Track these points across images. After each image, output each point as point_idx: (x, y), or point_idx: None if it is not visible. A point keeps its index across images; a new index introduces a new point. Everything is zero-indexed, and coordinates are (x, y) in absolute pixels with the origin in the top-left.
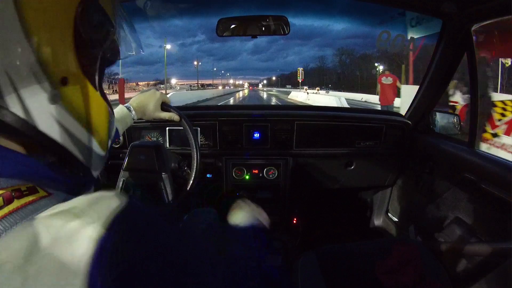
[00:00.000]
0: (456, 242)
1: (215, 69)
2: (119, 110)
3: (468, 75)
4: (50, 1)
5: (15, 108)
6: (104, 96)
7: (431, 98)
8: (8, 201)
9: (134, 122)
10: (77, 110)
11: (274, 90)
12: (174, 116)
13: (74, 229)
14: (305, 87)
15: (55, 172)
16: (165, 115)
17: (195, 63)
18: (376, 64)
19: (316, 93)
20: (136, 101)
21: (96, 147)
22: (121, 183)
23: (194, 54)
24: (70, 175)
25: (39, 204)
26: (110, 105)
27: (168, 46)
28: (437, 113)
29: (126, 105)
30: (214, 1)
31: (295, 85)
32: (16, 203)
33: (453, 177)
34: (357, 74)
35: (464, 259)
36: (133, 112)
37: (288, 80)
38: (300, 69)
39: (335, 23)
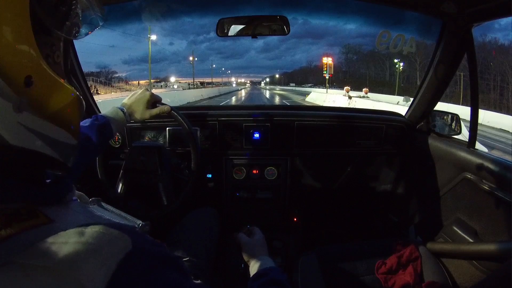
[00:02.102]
0: (456, 242)
1: (223, 68)
2: (114, 113)
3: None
4: None
5: None
6: (70, 81)
7: (431, 98)
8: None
9: (132, 123)
10: (46, 110)
11: (277, 89)
12: (163, 108)
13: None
14: (346, 88)
15: (30, 185)
16: (156, 110)
17: (191, 58)
18: (396, 61)
19: (364, 96)
20: (128, 103)
21: (69, 139)
22: (120, 184)
23: (203, 52)
24: (53, 185)
25: (38, 232)
26: (77, 88)
27: (154, 37)
28: (437, 113)
29: (120, 107)
30: (224, 1)
31: (300, 84)
32: (14, 227)
33: (453, 177)
34: (363, 72)
35: (464, 259)
36: (127, 116)
37: (291, 78)
38: (328, 60)
39: (349, 23)
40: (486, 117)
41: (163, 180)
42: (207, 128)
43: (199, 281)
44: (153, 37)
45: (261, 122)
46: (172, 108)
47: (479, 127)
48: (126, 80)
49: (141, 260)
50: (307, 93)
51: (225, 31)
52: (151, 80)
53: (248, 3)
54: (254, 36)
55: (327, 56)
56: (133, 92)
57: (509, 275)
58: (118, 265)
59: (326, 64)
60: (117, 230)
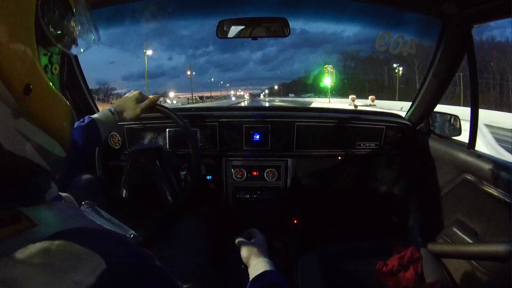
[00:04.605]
0: (456, 243)
1: (221, 82)
2: (102, 114)
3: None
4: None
5: None
6: (66, 96)
7: (431, 99)
8: None
9: (132, 124)
10: (42, 119)
11: (277, 100)
12: (152, 98)
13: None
14: (351, 96)
15: (17, 189)
16: (146, 102)
17: (188, 73)
18: (395, 66)
19: (370, 105)
20: (117, 103)
21: (60, 151)
22: (124, 189)
23: (202, 65)
24: (32, 184)
25: (21, 238)
26: (71, 103)
27: (149, 52)
28: (437, 114)
29: (109, 108)
30: (222, 3)
31: (299, 93)
32: None
33: (453, 178)
34: (361, 78)
35: (464, 259)
36: (116, 115)
37: (290, 89)
38: (328, 67)
39: (347, 29)
40: (494, 117)
41: (163, 181)
42: (207, 129)
43: (186, 286)
44: (149, 52)
45: (261, 123)
46: (159, 104)
47: (490, 130)
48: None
49: (119, 278)
50: (308, 104)
51: (225, 32)
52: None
53: (249, 7)
54: (254, 37)
55: (327, 64)
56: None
57: (509, 275)
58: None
59: (326, 71)
60: (86, 248)
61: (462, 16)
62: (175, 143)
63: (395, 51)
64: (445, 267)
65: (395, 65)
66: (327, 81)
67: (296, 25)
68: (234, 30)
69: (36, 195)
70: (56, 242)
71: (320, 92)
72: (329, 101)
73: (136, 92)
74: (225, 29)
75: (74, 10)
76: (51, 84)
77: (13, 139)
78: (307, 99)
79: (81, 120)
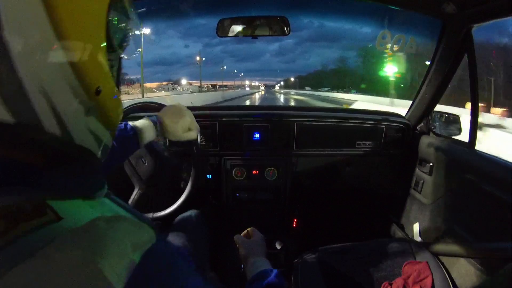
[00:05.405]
0: (456, 243)
1: (235, 71)
2: (145, 124)
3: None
4: (83, 9)
5: (53, 127)
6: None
7: (431, 99)
8: (11, 224)
9: None
10: (106, 117)
11: (293, 93)
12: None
13: (81, 265)
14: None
15: (74, 179)
16: (191, 136)
17: (197, 58)
18: (427, 63)
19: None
20: (165, 121)
21: (108, 140)
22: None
23: (217, 54)
24: (88, 174)
25: (46, 232)
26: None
27: (147, 31)
28: (437, 114)
29: (152, 118)
30: (231, 2)
31: (315, 87)
32: (21, 228)
33: (453, 178)
34: (381, 75)
35: (464, 260)
36: (159, 131)
37: (306, 82)
38: (393, 47)
39: (349, 24)
40: None
41: (161, 182)
42: (207, 129)
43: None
44: (147, 31)
45: (261, 122)
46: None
47: None
48: (128, 83)
49: (164, 254)
50: (345, 103)
51: (226, 31)
52: (164, 83)
53: (250, 6)
54: (254, 36)
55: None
56: (170, 108)
57: (509, 275)
58: (142, 258)
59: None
60: (142, 222)
61: (462, 16)
62: (175, 142)
63: (395, 51)
64: (445, 267)
65: (427, 63)
66: (391, 69)
67: (303, 17)
68: (234, 29)
69: (83, 189)
70: (114, 216)
71: (337, 87)
72: (392, 103)
73: (189, 120)
74: (225, 28)
75: (128, 18)
76: (114, 86)
77: (82, 134)
78: (326, 94)
79: (122, 126)
